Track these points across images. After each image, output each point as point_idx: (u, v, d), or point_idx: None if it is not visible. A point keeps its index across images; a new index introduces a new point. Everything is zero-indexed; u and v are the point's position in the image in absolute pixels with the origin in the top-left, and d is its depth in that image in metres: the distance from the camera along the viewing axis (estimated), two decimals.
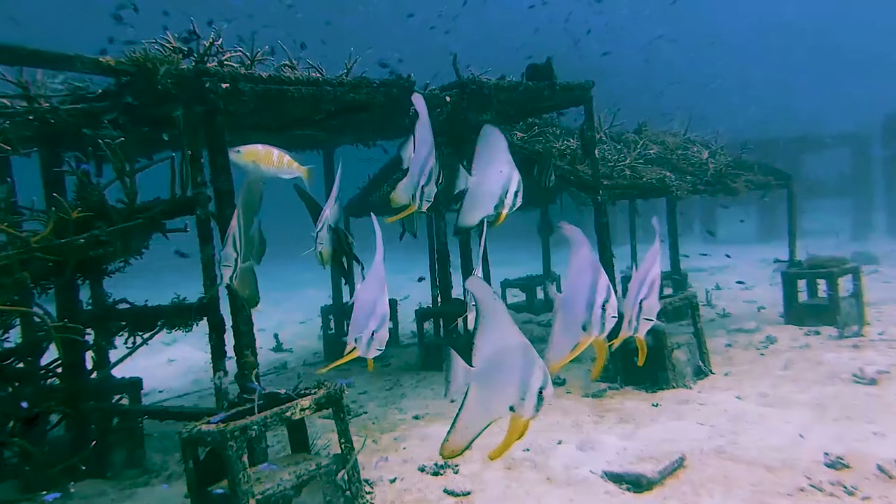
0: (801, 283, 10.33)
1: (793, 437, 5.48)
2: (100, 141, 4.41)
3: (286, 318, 15.25)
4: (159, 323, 5.17)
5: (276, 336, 11.98)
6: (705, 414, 6.26)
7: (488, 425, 2.85)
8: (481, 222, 3.92)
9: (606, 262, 7.63)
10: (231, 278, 4.06)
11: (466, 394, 2.87)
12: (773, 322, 10.46)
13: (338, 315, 10.48)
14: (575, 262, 3.12)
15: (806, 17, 70.93)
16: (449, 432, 2.88)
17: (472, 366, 2.86)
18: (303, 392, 5.17)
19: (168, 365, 11.44)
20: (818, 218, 26.25)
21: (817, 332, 9.31)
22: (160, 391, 9.24)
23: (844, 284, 10.02)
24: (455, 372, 2.88)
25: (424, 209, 3.85)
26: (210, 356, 5.08)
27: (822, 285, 10.26)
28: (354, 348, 3.50)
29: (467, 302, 5.80)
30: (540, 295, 13.43)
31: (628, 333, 3.30)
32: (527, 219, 13.04)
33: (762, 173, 10.43)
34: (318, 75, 5.73)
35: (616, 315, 3.11)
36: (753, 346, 8.96)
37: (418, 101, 3.94)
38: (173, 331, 5.20)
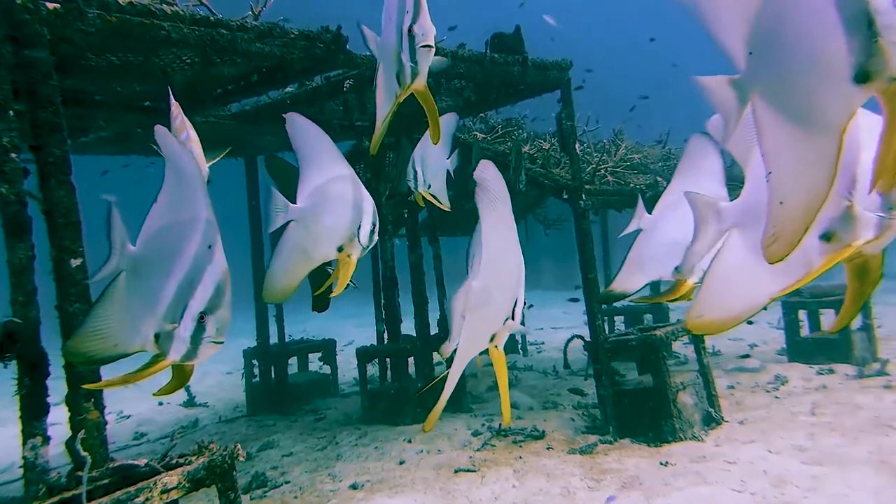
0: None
1: None
2: None
3: (211, 369, 13.25)
4: None
5: (187, 389, 10.04)
6: (738, 476, 4.70)
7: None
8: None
9: (591, 282, 6.12)
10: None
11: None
12: (773, 360, 9.07)
13: (263, 359, 8.69)
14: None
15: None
16: None
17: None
18: (173, 462, 3.47)
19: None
20: None
21: (831, 371, 7.91)
22: None
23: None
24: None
25: (423, 81, 2.36)
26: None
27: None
28: None
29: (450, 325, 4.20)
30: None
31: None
32: None
33: None
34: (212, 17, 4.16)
35: None
36: (761, 387, 7.50)
37: None
38: None
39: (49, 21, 3.31)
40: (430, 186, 4.70)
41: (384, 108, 2.55)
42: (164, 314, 2.21)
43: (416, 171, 4.59)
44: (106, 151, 6.84)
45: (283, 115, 2.77)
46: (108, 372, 3.25)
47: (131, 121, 5.24)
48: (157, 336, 2.22)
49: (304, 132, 2.70)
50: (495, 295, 2.34)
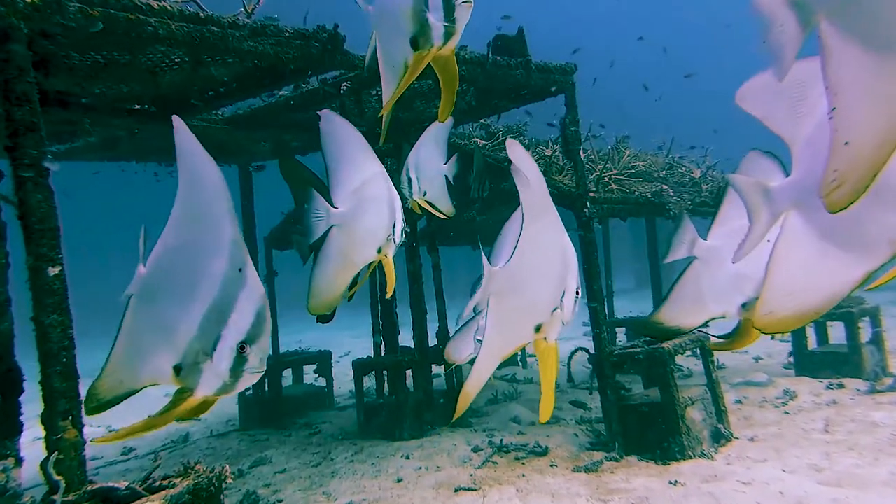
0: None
1: None
2: None
3: None
4: None
5: None
6: (753, 498, 4.47)
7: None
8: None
9: (595, 293, 5.91)
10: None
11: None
12: (780, 374, 8.84)
13: None
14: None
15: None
16: None
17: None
18: (156, 484, 3.24)
19: (32, 444, 9.11)
20: None
21: (840, 385, 7.68)
22: None
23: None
24: None
25: (456, 42, 2.13)
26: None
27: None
28: None
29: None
30: None
31: None
32: (476, 255, 11.35)
33: None
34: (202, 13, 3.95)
35: None
36: (770, 402, 7.28)
37: None
38: None
39: (24, 13, 3.10)
40: (425, 194, 4.50)
41: (391, 85, 2.26)
42: (188, 345, 1.96)
43: (410, 179, 4.39)
44: (94, 157, 6.63)
45: (317, 112, 2.73)
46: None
47: (119, 125, 5.03)
48: (177, 368, 1.98)
49: (339, 130, 2.65)
50: (531, 281, 2.14)
